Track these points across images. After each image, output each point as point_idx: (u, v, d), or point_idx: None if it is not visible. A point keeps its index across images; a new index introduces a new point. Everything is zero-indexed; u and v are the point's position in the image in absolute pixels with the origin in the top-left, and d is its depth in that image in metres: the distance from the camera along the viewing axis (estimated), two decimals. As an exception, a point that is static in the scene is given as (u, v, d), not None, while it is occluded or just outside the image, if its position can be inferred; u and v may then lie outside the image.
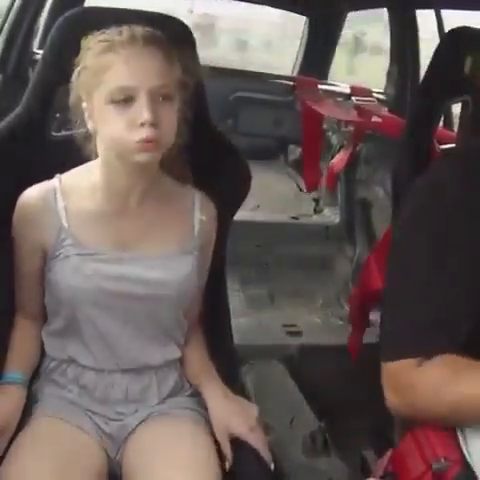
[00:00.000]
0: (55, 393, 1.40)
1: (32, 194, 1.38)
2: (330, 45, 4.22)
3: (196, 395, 1.47)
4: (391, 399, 1.20)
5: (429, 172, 1.28)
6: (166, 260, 1.39)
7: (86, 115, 1.32)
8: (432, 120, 1.60)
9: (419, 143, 1.58)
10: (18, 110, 1.50)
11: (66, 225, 1.36)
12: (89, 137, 1.35)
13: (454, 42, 1.58)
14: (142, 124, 1.23)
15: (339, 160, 3.50)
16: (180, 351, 1.47)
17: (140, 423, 1.39)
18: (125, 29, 1.29)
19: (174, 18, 1.53)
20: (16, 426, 1.33)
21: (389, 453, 1.23)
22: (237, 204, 1.62)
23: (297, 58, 4.35)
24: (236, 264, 2.74)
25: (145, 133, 1.24)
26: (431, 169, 1.30)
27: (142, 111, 1.23)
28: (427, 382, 1.15)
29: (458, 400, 1.11)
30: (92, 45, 1.30)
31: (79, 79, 1.31)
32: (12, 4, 3.09)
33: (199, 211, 1.44)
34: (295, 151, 4.29)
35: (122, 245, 1.38)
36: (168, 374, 1.45)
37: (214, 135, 1.62)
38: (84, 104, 1.31)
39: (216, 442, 1.39)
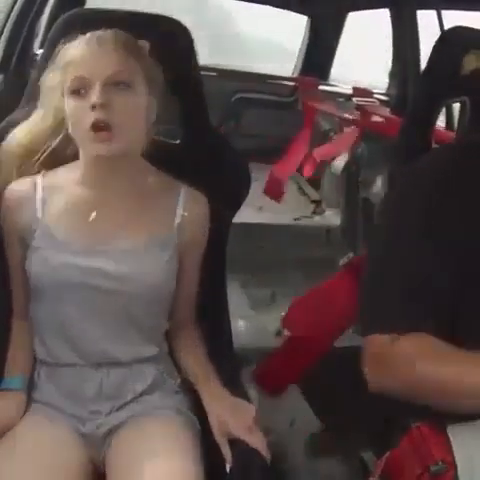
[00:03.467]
0: (33, 395, 1.40)
1: (14, 186, 1.41)
2: (331, 45, 4.23)
3: (181, 392, 1.46)
4: (370, 372, 1.21)
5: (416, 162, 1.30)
6: (138, 254, 1.38)
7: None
8: (429, 120, 1.59)
9: (416, 143, 1.57)
10: (18, 110, 1.51)
11: (39, 216, 1.38)
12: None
13: (451, 42, 1.57)
14: (93, 107, 1.28)
15: (325, 151, 3.49)
16: (157, 348, 1.45)
17: (120, 425, 1.37)
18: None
19: (172, 19, 1.54)
20: None
21: (387, 454, 1.23)
22: (237, 205, 1.62)
23: (298, 58, 4.35)
24: (237, 266, 2.73)
25: (95, 115, 1.28)
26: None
27: (93, 95, 1.28)
28: (402, 353, 1.16)
29: (436, 379, 1.13)
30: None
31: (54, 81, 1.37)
32: (13, 4, 3.09)
33: (182, 207, 1.43)
34: (297, 152, 4.28)
35: (95, 238, 1.38)
36: (144, 370, 1.43)
37: (214, 136, 1.62)
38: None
39: (214, 443, 1.38)
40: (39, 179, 1.41)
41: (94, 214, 1.38)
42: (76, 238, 1.37)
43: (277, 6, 4.36)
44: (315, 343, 1.73)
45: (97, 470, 1.37)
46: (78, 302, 1.37)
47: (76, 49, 1.34)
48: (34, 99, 1.48)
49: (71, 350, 1.39)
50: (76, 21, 1.47)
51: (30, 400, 1.39)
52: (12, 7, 3.06)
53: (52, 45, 1.46)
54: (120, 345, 1.40)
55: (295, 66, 4.39)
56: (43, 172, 1.42)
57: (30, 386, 1.41)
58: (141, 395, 1.41)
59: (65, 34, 1.43)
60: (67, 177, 1.42)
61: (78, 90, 1.30)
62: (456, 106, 2.55)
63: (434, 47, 1.55)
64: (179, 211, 1.43)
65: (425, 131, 1.58)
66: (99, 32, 1.35)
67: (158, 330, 1.47)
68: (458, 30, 1.57)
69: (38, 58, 1.63)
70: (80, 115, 1.30)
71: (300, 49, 4.33)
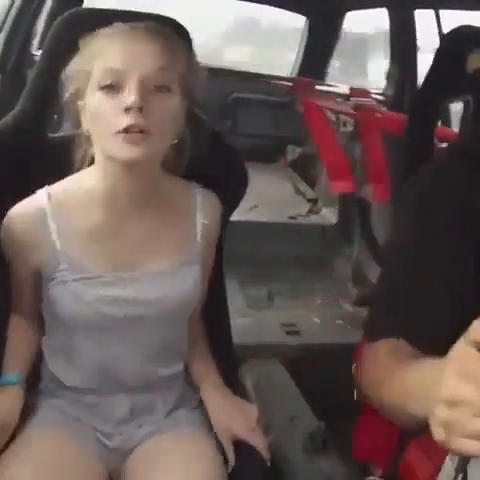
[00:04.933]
0: (57, 405, 1.37)
1: (19, 215, 1.26)
2: (329, 45, 4.24)
3: (199, 406, 1.45)
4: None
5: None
6: (169, 275, 1.32)
7: (81, 114, 1.23)
8: (433, 119, 1.59)
9: (419, 142, 1.58)
10: (16, 110, 1.50)
11: (59, 248, 1.26)
12: (84, 139, 1.28)
13: (456, 41, 1.57)
14: (127, 110, 1.11)
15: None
16: (182, 363, 1.44)
17: (144, 438, 1.36)
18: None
19: (171, 19, 1.53)
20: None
21: (397, 454, 1.23)
22: (234, 204, 1.61)
23: (296, 58, 4.36)
24: (234, 264, 2.73)
25: (130, 120, 1.11)
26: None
27: (129, 95, 1.11)
28: (367, 356, 1.16)
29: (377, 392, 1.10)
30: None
31: (72, 75, 1.25)
32: (11, 5, 3.09)
33: (201, 214, 1.36)
34: (294, 151, 4.29)
35: (122, 265, 1.29)
36: (173, 387, 1.42)
37: (211, 136, 1.61)
38: (81, 102, 1.23)
39: (219, 446, 1.38)
40: (45, 201, 1.26)
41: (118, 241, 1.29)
42: (103, 267, 1.27)
43: (276, 6, 4.38)
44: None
45: None
46: (114, 332, 1.32)
47: (106, 37, 1.18)
48: (34, 99, 1.48)
49: (105, 377, 1.35)
50: (76, 20, 1.46)
51: (55, 411, 1.35)
52: (10, 8, 3.07)
53: (52, 45, 1.46)
54: (152, 366, 1.37)
55: (293, 66, 4.40)
56: (48, 191, 1.28)
57: (55, 398, 1.38)
58: (169, 412, 1.40)
59: (65, 34, 1.43)
60: (79, 195, 1.28)
61: (109, 85, 1.14)
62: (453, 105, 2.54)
63: (439, 46, 1.56)
64: (199, 219, 1.35)
65: (429, 130, 1.58)
66: (136, 23, 1.19)
67: (184, 345, 1.45)
68: (462, 29, 1.57)
69: (36, 59, 1.63)
70: (110, 116, 1.13)
71: (299, 49, 4.34)
